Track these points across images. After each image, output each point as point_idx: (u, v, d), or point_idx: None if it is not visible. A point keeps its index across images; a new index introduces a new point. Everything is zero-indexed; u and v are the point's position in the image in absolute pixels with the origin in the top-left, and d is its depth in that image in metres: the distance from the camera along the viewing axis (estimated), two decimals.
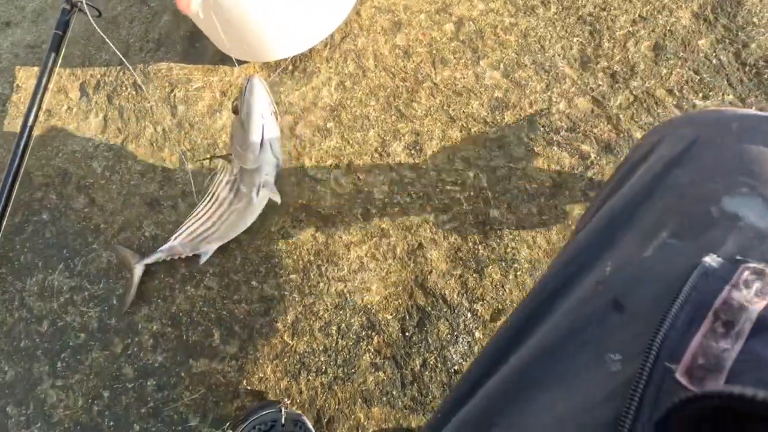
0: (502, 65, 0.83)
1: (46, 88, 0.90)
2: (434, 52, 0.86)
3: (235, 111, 0.67)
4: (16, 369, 0.78)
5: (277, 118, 0.67)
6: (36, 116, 0.88)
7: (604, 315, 0.24)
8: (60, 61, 0.88)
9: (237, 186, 0.72)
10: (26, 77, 1.00)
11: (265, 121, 0.65)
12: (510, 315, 0.32)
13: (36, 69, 1.01)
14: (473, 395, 0.27)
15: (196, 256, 0.79)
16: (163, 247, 0.78)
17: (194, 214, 0.76)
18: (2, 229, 0.83)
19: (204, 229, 0.76)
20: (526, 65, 0.83)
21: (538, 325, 0.27)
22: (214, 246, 0.78)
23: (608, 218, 0.32)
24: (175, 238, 0.77)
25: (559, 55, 0.83)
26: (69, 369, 0.77)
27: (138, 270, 0.78)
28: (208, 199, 0.74)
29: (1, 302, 0.82)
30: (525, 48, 0.84)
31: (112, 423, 0.73)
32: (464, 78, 0.83)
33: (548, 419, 0.21)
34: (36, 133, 0.86)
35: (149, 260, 0.78)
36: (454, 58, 0.85)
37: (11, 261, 0.85)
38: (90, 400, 0.75)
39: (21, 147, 0.85)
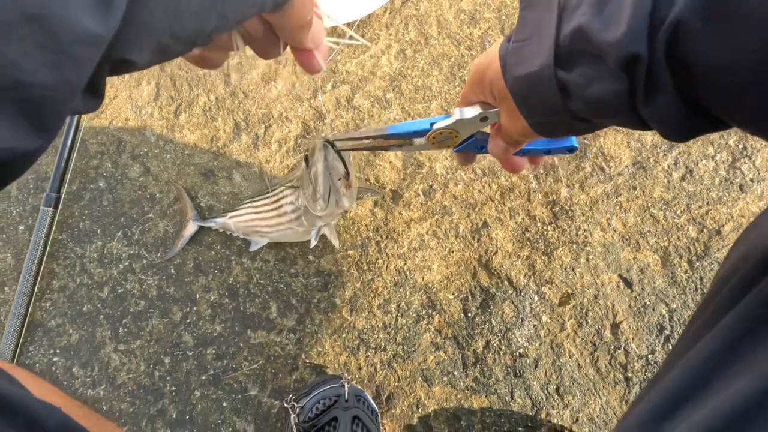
0: None
1: None
2: (503, 17, 0.81)
3: (306, 162, 0.64)
4: (80, 332, 0.80)
5: (348, 177, 0.63)
6: None
7: None
8: None
9: (300, 214, 0.70)
10: None
11: (334, 186, 0.63)
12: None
13: None
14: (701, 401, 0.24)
15: (246, 240, 0.78)
16: (217, 219, 0.78)
17: (255, 203, 0.74)
18: (63, 195, 0.84)
19: (260, 224, 0.74)
20: None
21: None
22: (266, 241, 0.76)
23: None
24: (231, 216, 0.76)
25: None
26: (130, 335, 0.79)
27: (191, 227, 0.79)
28: (272, 200, 0.72)
29: (64, 267, 0.84)
30: None
31: (173, 388, 0.75)
32: None
33: None
34: None
35: (203, 223, 0.78)
36: None
37: (71, 227, 0.86)
38: (151, 365, 0.77)
39: (77, 114, 0.85)
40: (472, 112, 0.40)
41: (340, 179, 0.62)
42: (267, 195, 0.73)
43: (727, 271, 0.32)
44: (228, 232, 0.78)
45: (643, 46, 0.25)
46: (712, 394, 0.22)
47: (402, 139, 0.46)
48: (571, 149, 0.42)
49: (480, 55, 0.39)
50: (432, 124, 0.42)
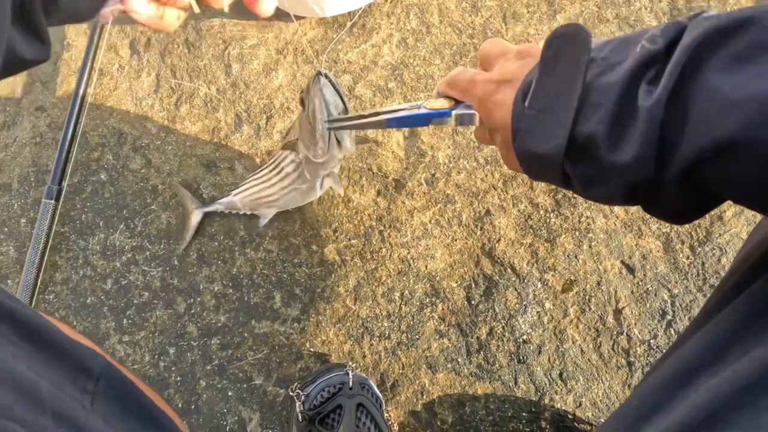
0: (581, 20, 0.77)
1: (98, 47, 0.88)
2: (505, 5, 0.80)
3: (303, 104, 0.62)
4: (84, 324, 0.80)
5: (347, 112, 0.62)
6: (90, 75, 0.87)
7: None
8: None
9: (301, 170, 0.69)
10: (75, 34, 0.99)
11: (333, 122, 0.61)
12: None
13: (85, 26, 0.99)
14: (690, 388, 0.24)
15: (255, 217, 0.78)
16: (223, 200, 0.78)
17: (257, 176, 0.74)
18: (64, 188, 0.83)
19: (265, 195, 0.74)
20: (608, 20, 0.76)
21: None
22: (274, 211, 0.77)
23: None
24: (236, 193, 0.76)
25: (645, 8, 0.76)
26: (135, 326, 0.79)
27: (196, 216, 0.79)
28: (273, 166, 0.72)
29: (67, 260, 0.84)
30: (607, 0, 0.77)
31: (179, 378, 0.75)
32: (539, 34, 0.77)
33: None
34: (89, 92, 0.85)
35: (208, 209, 0.78)
36: (528, 12, 0.79)
37: (73, 220, 0.86)
38: (156, 356, 0.77)
39: (77, 106, 0.85)
40: (471, 119, 0.41)
41: (339, 114, 0.59)
42: (267, 164, 0.73)
43: (744, 255, 0.32)
44: (235, 212, 0.78)
45: (650, 172, 0.26)
46: (728, 364, 0.23)
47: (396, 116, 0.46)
48: None
49: (493, 74, 0.38)
50: (428, 120, 0.43)
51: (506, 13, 0.80)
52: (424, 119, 0.42)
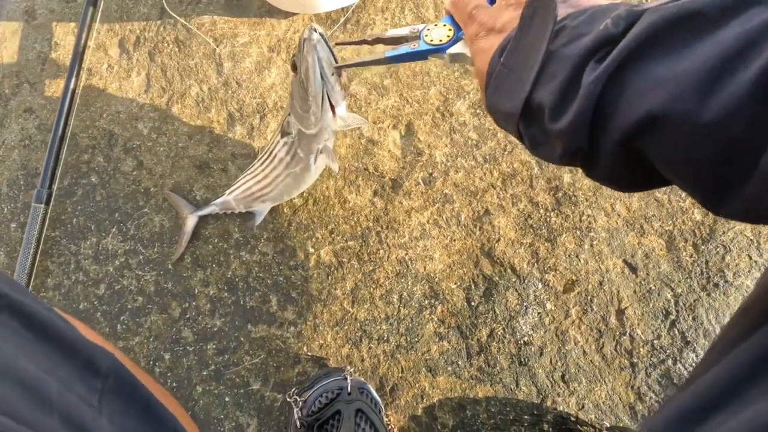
0: None
1: (86, 46, 0.86)
2: None
3: (294, 68, 0.61)
4: None
5: (341, 76, 0.61)
6: (78, 75, 0.85)
7: None
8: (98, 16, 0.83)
9: (294, 150, 0.68)
10: (63, 33, 0.96)
11: (326, 81, 0.59)
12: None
13: (73, 24, 0.96)
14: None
15: (250, 215, 0.77)
16: (217, 201, 0.76)
17: (250, 171, 0.73)
18: (54, 191, 0.82)
19: (259, 188, 0.73)
20: None
21: None
22: (269, 206, 0.75)
23: None
24: (230, 192, 0.75)
25: None
26: (129, 331, 0.77)
27: (191, 221, 0.77)
28: (265, 157, 0.70)
29: (58, 265, 0.82)
30: None
31: (174, 384, 0.74)
32: None
33: None
34: (78, 92, 0.83)
35: (202, 212, 0.77)
36: None
37: (64, 224, 0.84)
38: (151, 362, 0.75)
39: (66, 107, 0.83)
40: (463, 57, 0.44)
41: (333, 73, 0.58)
42: (259, 156, 0.72)
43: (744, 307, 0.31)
44: (229, 212, 0.76)
45: (584, 140, 0.29)
46: (747, 403, 0.21)
47: (395, 47, 0.49)
48: None
49: (487, 16, 0.40)
50: (426, 56, 0.46)
51: None
52: (422, 55, 0.45)
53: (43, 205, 0.80)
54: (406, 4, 0.82)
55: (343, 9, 0.83)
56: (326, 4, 0.80)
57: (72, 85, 0.83)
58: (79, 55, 0.84)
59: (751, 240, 0.67)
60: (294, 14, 0.85)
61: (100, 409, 0.29)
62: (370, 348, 0.70)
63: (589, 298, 0.68)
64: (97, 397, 0.29)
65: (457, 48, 0.43)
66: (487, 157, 0.74)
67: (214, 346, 0.74)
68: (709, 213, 0.66)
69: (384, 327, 0.71)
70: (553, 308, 0.68)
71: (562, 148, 0.31)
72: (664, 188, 0.69)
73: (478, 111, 0.76)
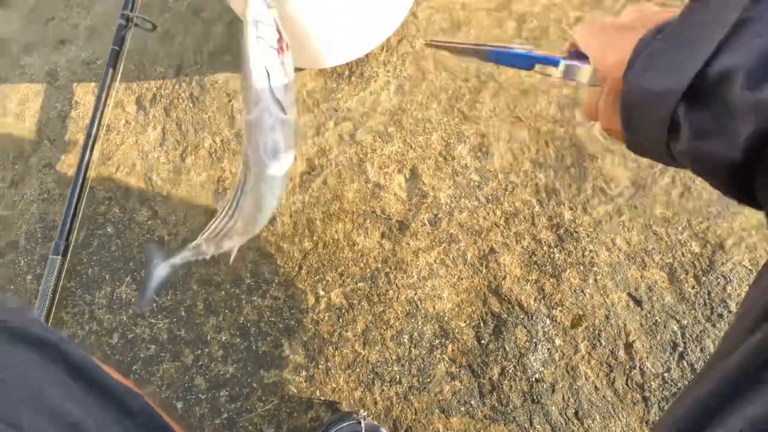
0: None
1: (105, 104, 0.92)
2: None
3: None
4: None
5: (285, 48, 0.52)
6: (97, 132, 0.89)
7: None
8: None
9: (246, 157, 0.59)
10: (83, 93, 1.02)
11: (261, 50, 0.50)
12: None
13: (93, 84, 1.03)
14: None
15: (261, 264, 0.78)
16: (189, 246, 0.71)
17: (218, 211, 0.68)
18: (71, 243, 0.84)
19: (223, 224, 0.67)
20: None
21: None
22: (237, 242, 0.69)
23: None
24: (201, 235, 0.70)
25: None
26: (141, 380, 0.78)
27: (159, 271, 0.72)
28: (230, 194, 0.65)
29: (72, 316, 0.83)
30: None
31: None
32: (530, 77, 0.81)
33: None
34: (97, 147, 0.88)
35: (174, 261, 0.72)
36: None
37: (80, 275, 0.86)
38: (164, 411, 0.75)
39: (85, 162, 0.87)
40: (580, 73, 0.36)
41: (274, 46, 0.50)
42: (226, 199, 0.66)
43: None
44: (203, 257, 0.70)
45: None
46: (746, 404, 0.23)
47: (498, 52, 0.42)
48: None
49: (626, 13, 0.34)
50: (533, 64, 0.39)
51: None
52: (528, 61, 0.39)
53: (60, 257, 0.82)
54: (406, 57, 0.88)
55: (347, 63, 0.88)
56: (331, 59, 0.86)
57: (91, 141, 0.88)
58: (98, 113, 0.89)
59: (749, 270, 0.68)
60: (301, 69, 0.91)
61: None
62: (382, 390, 0.71)
63: (596, 332, 0.69)
64: (129, 425, 0.33)
65: (574, 61, 0.36)
66: (490, 197, 0.77)
67: (226, 393, 0.75)
68: (707, 245, 0.69)
69: (396, 368, 0.71)
70: (562, 344, 0.68)
71: (755, 128, 0.22)
72: (660, 222, 0.72)
73: (478, 154, 0.80)
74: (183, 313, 0.80)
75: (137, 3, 0.90)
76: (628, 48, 0.29)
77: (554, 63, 0.37)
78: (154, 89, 0.99)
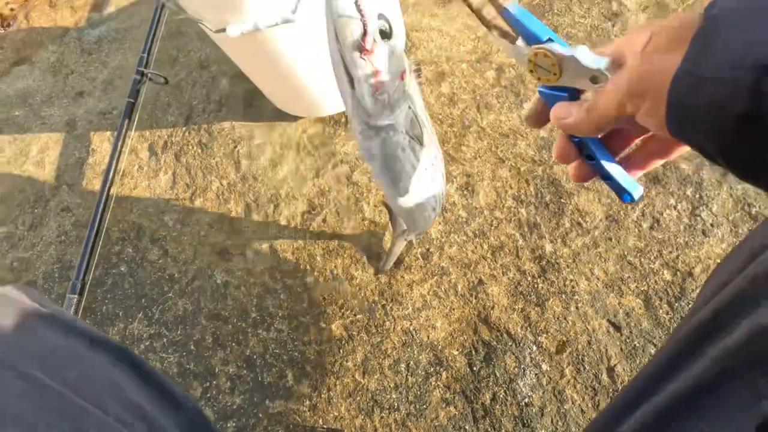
0: None
1: (121, 151, 0.99)
2: (478, 98, 0.93)
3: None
4: None
5: (365, 38, 0.37)
6: (113, 177, 0.97)
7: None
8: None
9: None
10: (100, 141, 1.10)
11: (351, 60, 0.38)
12: (659, 350, 0.34)
13: (108, 133, 1.11)
14: (630, 415, 0.31)
15: (266, 298, 0.84)
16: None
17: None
18: (88, 283, 0.90)
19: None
20: None
21: (687, 363, 0.30)
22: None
23: None
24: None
25: None
26: None
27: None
28: None
29: None
30: None
31: None
32: (509, 121, 0.89)
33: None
34: (113, 192, 0.94)
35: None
36: (498, 102, 0.91)
37: (94, 312, 0.91)
38: None
39: (101, 206, 0.93)
40: (595, 61, 0.29)
41: (358, 48, 0.37)
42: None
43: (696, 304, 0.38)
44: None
45: None
46: (655, 396, 0.29)
47: (512, 31, 0.33)
48: (630, 199, 0.33)
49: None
50: (549, 39, 0.32)
51: (479, 104, 0.92)
52: (544, 34, 0.32)
53: (77, 296, 0.87)
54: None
55: (343, 111, 0.97)
56: (328, 108, 0.94)
57: (107, 186, 0.95)
58: (114, 160, 0.97)
59: None
60: (301, 117, 0.99)
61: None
62: (382, 417, 0.75)
63: (580, 357, 0.74)
64: (179, 422, 0.40)
65: (589, 58, 0.29)
66: (477, 232, 0.83)
67: (234, 424, 0.78)
68: (678, 273, 0.75)
69: (394, 396, 0.76)
70: (548, 369, 0.73)
71: None
72: (634, 252, 0.78)
73: (465, 192, 0.87)
74: (192, 347, 0.85)
75: (151, 60, 0.99)
76: (689, 28, 0.23)
77: (567, 47, 0.31)
78: (166, 137, 1.07)
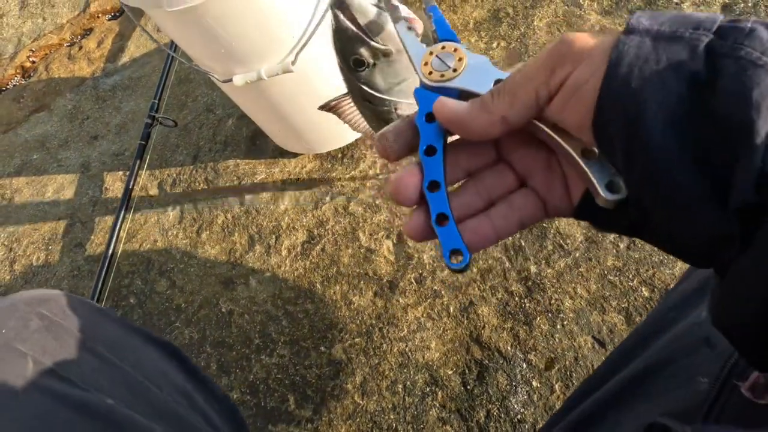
0: None
1: (132, 190, 1.06)
2: None
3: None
4: None
5: (368, 43, 0.39)
6: (125, 214, 1.03)
7: (696, 348, 0.31)
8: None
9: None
10: (113, 180, 1.18)
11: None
12: (615, 349, 0.41)
13: (120, 173, 1.18)
14: (582, 402, 0.36)
15: (268, 324, 0.88)
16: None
17: None
18: None
19: None
20: None
21: (636, 356, 0.36)
22: None
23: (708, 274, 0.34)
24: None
25: None
26: None
27: None
28: None
29: None
30: None
31: None
32: None
33: (643, 420, 0.29)
34: (124, 228, 1.01)
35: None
36: None
37: None
38: None
39: (113, 241, 0.99)
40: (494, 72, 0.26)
41: (355, 54, 0.37)
42: None
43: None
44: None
45: None
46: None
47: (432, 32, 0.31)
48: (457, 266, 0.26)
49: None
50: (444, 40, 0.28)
51: None
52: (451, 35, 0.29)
53: None
54: None
55: (340, 147, 1.04)
56: (325, 146, 1.02)
57: (119, 222, 1.01)
58: (126, 198, 1.04)
59: None
60: (301, 154, 1.07)
61: (220, 417, 0.47)
62: None
63: (568, 373, 0.77)
64: (218, 409, 0.48)
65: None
66: None
67: None
68: (655, 289, 0.79)
69: (392, 416, 0.79)
70: (538, 385, 0.77)
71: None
72: (613, 271, 0.83)
73: None
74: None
75: (162, 105, 1.08)
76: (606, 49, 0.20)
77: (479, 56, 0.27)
78: (174, 175, 1.14)
